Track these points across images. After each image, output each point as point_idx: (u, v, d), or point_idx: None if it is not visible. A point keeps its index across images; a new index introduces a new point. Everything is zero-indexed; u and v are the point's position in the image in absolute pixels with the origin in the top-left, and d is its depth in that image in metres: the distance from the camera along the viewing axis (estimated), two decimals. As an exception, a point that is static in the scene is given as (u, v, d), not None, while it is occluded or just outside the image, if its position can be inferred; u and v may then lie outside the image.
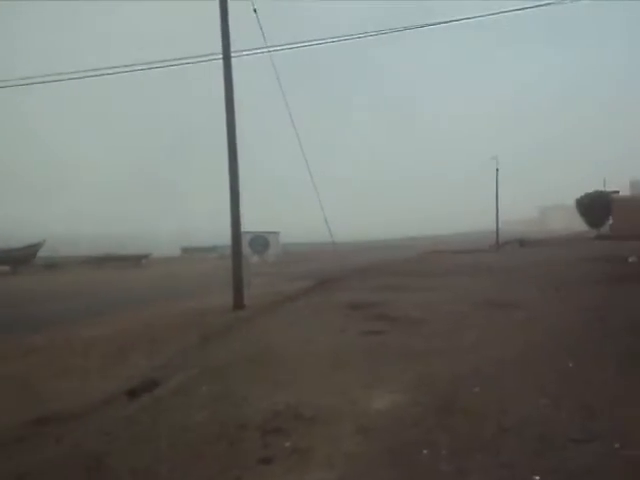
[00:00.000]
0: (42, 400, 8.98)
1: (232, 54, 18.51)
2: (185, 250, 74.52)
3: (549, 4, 23.22)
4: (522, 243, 56.14)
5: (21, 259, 49.19)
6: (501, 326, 12.93)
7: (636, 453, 5.76)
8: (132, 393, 9.00)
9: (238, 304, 17.81)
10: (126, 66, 22.13)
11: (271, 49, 20.75)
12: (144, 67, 22.35)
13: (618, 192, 67.91)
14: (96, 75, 22.39)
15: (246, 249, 29.53)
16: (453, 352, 10.57)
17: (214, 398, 8.41)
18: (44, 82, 22.84)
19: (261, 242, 43.91)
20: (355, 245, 63.84)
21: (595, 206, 65.31)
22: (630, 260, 28.22)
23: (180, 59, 21.82)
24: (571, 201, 73.92)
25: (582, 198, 69.12)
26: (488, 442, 6.25)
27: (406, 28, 24.54)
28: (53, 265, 48.42)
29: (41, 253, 53.23)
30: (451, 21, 24.59)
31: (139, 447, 6.69)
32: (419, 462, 5.88)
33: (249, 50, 20.93)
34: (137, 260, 53.32)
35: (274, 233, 46.56)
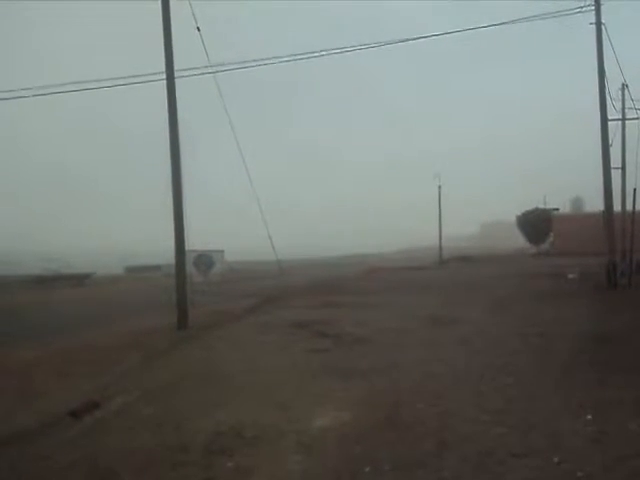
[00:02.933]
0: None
1: (175, 74, 18.46)
2: (129, 269, 73.60)
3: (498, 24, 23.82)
4: (465, 259, 56.71)
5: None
6: (443, 343, 13.07)
7: (574, 467, 5.89)
8: (73, 415, 8.89)
9: (182, 324, 17.68)
10: (72, 83, 22.04)
11: (216, 68, 20.78)
12: (89, 87, 22.25)
13: (558, 209, 69.03)
14: (41, 94, 22.22)
15: (191, 268, 29.42)
16: (396, 369, 10.66)
17: (156, 419, 8.35)
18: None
19: (206, 261, 43.78)
20: (300, 262, 63.73)
21: (536, 223, 66.30)
22: (570, 277, 28.71)
23: (124, 78, 21.80)
24: (512, 217, 75.06)
25: (523, 215, 70.14)
26: (430, 458, 6.33)
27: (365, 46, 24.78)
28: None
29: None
30: (407, 40, 24.90)
31: (78, 472, 6.62)
32: (361, 479, 5.93)
33: (192, 69, 20.98)
34: (80, 279, 52.56)
35: (219, 252, 46.50)
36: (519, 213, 71.59)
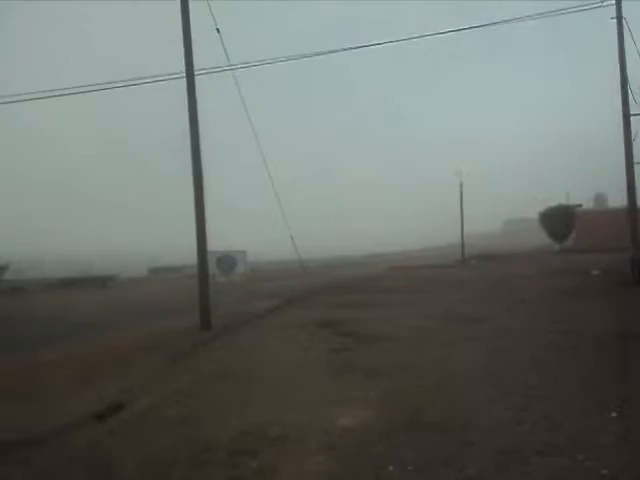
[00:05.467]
0: (4, 424, 8.90)
1: (195, 72, 18.51)
2: (152, 271, 73.85)
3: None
4: (486, 257, 56.42)
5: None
6: (466, 341, 13.04)
7: (599, 465, 5.86)
8: (99, 417, 8.96)
9: (205, 324, 17.74)
10: (88, 85, 22.13)
11: (234, 67, 20.83)
12: (106, 87, 22.32)
13: (581, 205, 68.47)
14: (56, 95, 22.32)
15: (213, 268, 29.56)
16: (419, 368, 10.65)
17: (180, 420, 8.41)
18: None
19: (228, 261, 44.03)
20: (322, 262, 63.76)
21: (558, 220, 65.80)
22: (594, 273, 28.52)
23: (142, 78, 21.89)
24: (534, 214, 74.49)
25: (545, 212, 69.59)
26: (453, 457, 6.32)
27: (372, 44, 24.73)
28: (19, 288, 47.72)
29: (6, 276, 52.63)
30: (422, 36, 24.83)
31: (105, 472, 6.68)
32: (386, 478, 5.94)
33: (212, 69, 21.04)
34: (104, 282, 52.81)
35: (241, 252, 46.71)
36: (542, 210, 71.09)
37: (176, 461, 6.75)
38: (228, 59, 20.12)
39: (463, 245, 60.57)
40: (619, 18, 24.71)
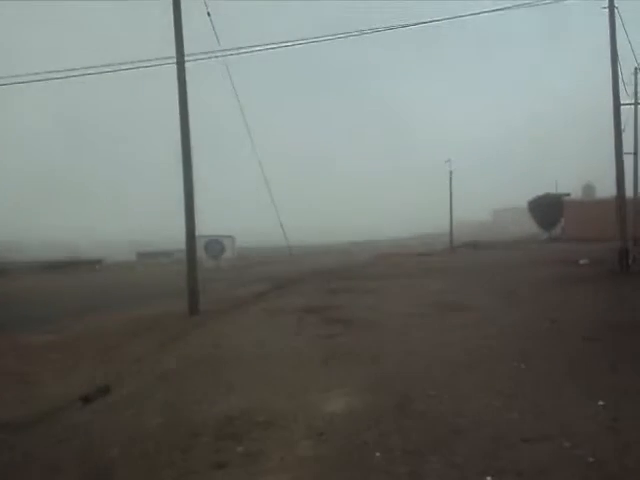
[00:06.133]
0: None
1: (186, 58, 18.43)
2: (141, 255, 73.80)
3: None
4: (476, 245, 56.60)
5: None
6: (454, 328, 13.03)
7: (586, 452, 5.87)
8: (85, 400, 8.92)
9: (193, 309, 17.73)
10: (76, 69, 21.92)
11: (225, 52, 20.70)
12: (95, 71, 22.14)
13: (569, 195, 68.68)
14: (45, 79, 22.10)
15: (201, 253, 29.49)
16: (407, 354, 10.64)
17: (167, 404, 8.38)
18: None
19: (216, 246, 43.97)
20: (311, 248, 63.84)
21: (547, 209, 66.02)
22: (581, 262, 28.61)
23: (132, 62, 21.70)
24: (524, 203, 74.72)
25: (534, 201, 69.83)
26: (441, 444, 6.31)
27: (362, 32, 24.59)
28: (2, 271, 47.43)
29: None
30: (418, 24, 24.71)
31: (92, 455, 6.65)
32: (372, 465, 5.92)
33: (203, 54, 20.89)
34: (91, 266, 52.67)
35: (229, 237, 46.68)
36: (530, 199, 71.29)
37: (162, 445, 6.72)
38: (219, 42, 19.99)
39: (452, 233, 60.70)
40: (611, 8, 24.69)
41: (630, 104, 32.61)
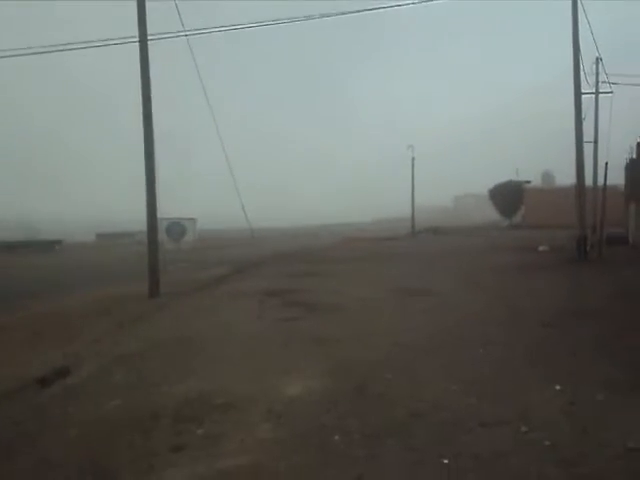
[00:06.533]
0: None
1: (149, 38, 18.27)
2: (101, 236, 73.16)
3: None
4: (436, 231, 56.94)
5: None
6: (414, 313, 13.12)
7: (542, 436, 5.94)
8: (43, 381, 8.84)
9: (154, 291, 17.64)
10: (42, 47, 21.64)
11: (188, 33, 20.55)
12: (61, 49, 21.87)
13: (530, 182, 69.27)
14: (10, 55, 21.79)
15: (163, 235, 29.26)
16: (367, 338, 10.69)
17: (127, 386, 8.34)
18: None
19: (178, 229, 43.68)
20: (273, 232, 63.75)
21: (507, 195, 66.56)
22: (540, 249, 28.91)
23: (94, 42, 21.46)
24: (484, 190, 75.30)
25: (495, 188, 70.37)
26: (399, 427, 6.35)
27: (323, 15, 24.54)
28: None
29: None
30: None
31: (50, 437, 6.60)
32: (331, 447, 5.95)
33: (166, 34, 20.73)
34: (50, 246, 52.08)
35: (191, 220, 46.42)
36: (491, 186, 71.82)
37: (121, 427, 6.69)
38: (183, 25, 19.85)
39: (414, 218, 60.93)
40: (574, -1, 24.87)
41: (591, 93, 32.90)
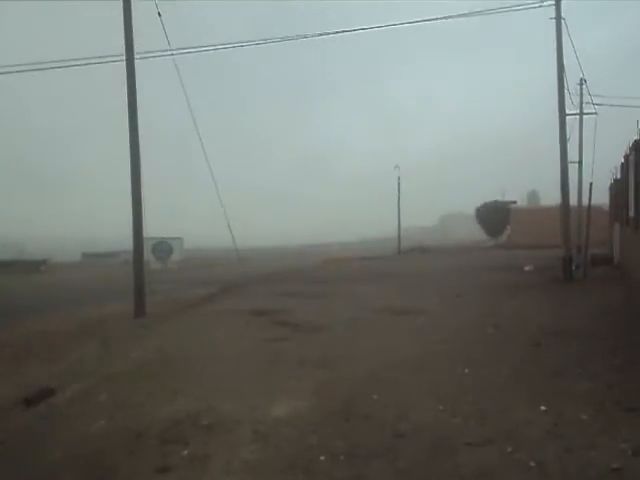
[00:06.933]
0: None
1: (136, 56, 18.32)
2: (86, 256, 72.85)
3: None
4: (423, 251, 57.04)
5: None
6: (400, 333, 13.13)
7: (527, 457, 5.97)
8: (28, 402, 8.81)
9: (139, 311, 17.59)
10: (25, 65, 21.71)
11: (175, 52, 20.64)
12: (45, 67, 21.94)
13: (516, 202, 69.55)
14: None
15: (149, 255, 29.27)
16: (353, 358, 10.69)
17: (112, 407, 8.32)
18: None
19: (164, 248, 43.70)
20: (259, 251, 63.69)
21: (493, 215, 66.79)
22: (526, 269, 28.98)
23: (80, 59, 21.56)
24: (471, 210, 75.53)
25: (481, 207, 70.63)
26: (385, 448, 6.37)
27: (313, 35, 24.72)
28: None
29: None
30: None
31: (34, 457, 6.58)
32: (317, 469, 5.95)
33: (152, 52, 20.82)
34: (35, 266, 51.81)
35: (177, 239, 46.42)
36: (477, 206, 72.05)
37: (106, 449, 6.68)
38: (169, 43, 19.92)
39: (400, 238, 61.06)
40: (558, 18, 25.07)
41: (575, 114, 33.18)
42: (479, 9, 25.37)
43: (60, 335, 14.29)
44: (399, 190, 62.59)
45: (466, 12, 25.88)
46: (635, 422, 6.86)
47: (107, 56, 20.49)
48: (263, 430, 7.05)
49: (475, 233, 76.55)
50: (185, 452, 6.47)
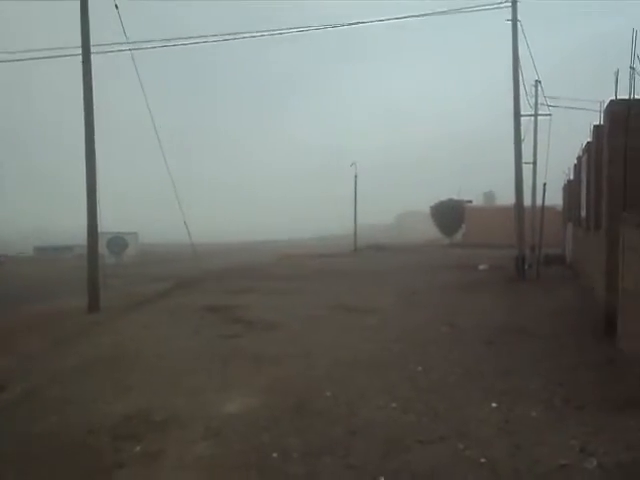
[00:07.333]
0: None
1: (92, 50, 18.14)
2: (39, 250, 71.73)
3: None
4: (379, 248, 57.11)
5: None
6: (354, 331, 13.16)
7: (478, 453, 6.04)
8: (-24, 398, 8.69)
9: (93, 306, 17.42)
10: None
11: (132, 47, 20.50)
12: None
13: (471, 201, 69.97)
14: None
15: (103, 250, 28.96)
16: (307, 356, 10.72)
17: (64, 403, 8.23)
18: None
19: (119, 243, 43.32)
20: (215, 247, 63.24)
21: (448, 214, 67.14)
22: (480, 268, 29.23)
23: (34, 51, 21.35)
24: (427, 208, 75.79)
25: (436, 206, 70.93)
26: (337, 444, 6.40)
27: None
28: None
29: None
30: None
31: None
32: (269, 465, 5.98)
33: (109, 45, 20.69)
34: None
35: (132, 234, 46.06)
36: (433, 204, 72.34)
37: (58, 445, 6.62)
38: (126, 37, 19.77)
39: (356, 235, 61.13)
40: (514, 20, 25.40)
41: (530, 115, 33.64)
42: (433, 10, 25.60)
43: (11, 331, 14.06)
44: (356, 188, 62.64)
45: (423, 13, 26.08)
46: (583, 419, 6.99)
47: (62, 48, 20.29)
48: (216, 426, 7.05)
49: (431, 231, 76.83)
50: (138, 448, 6.44)
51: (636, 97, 10.60)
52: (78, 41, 18.01)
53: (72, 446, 6.56)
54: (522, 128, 26.56)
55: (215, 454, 6.27)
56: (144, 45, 22.34)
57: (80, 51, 18.01)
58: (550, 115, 35.68)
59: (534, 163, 35.47)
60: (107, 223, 20.53)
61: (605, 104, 12.32)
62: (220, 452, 6.31)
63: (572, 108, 34.36)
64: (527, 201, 30.19)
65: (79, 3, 17.83)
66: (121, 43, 20.35)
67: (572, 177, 26.49)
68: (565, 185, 32.73)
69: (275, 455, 6.15)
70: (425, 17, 27.74)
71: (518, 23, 25.46)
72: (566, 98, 37.35)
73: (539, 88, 36.02)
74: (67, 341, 12.89)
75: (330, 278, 26.32)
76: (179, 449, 6.40)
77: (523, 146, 26.67)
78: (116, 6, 19.06)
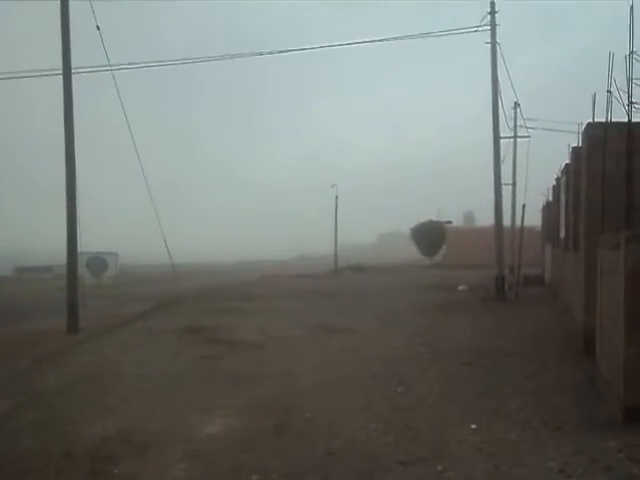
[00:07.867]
0: None
1: (73, 71, 18.13)
2: (19, 270, 71.35)
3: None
4: (359, 269, 57.15)
5: None
6: (334, 351, 13.19)
7: (457, 475, 6.06)
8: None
9: (73, 327, 17.32)
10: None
11: (114, 67, 20.52)
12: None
13: (451, 222, 70.31)
14: None
15: (83, 270, 28.78)
16: (287, 376, 10.72)
17: (41, 425, 8.18)
18: None
19: (99, 263, 43.08)
20: (196, 267, 63.09)
21: (429, 235, 67.36)
22: (460, 289, 29.32)
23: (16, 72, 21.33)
24: (407, 229, 76.06)
25: (417, 227, 71.16)
26: (317, 465, 6.41)
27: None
28: None
29: None
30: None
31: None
32: (248, 487, 5.97)
33: (90, 67, 20.70)
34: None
35: (112, 254, 45.82)
36: (413, 225, 72.57)
37: (35, 467, 6.58)
38: (108, 59, 19.78)
39: (336, 256, 61.16)
40: (493, 43, 25.66)
41: (509, 137, 33.95)
42: (412, 33, 25.84)
43: (-11, 351, 13.98)
44: (336, 208, 62.76)
45: (402, 35, 26.29)
46: (562, 440, 7.01)
47: (43, 70, 20.29)
48: (195, 448, 7.03)
49: (412, 252, 76.98)
50: (116, 471, 6.42)
51: (614, 120, 10.69)
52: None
53: (48, 469, 6.52)
54: (501, 149, 26.79)
55: (194, 476, 6.26)
56: (125, 66, 22.32)
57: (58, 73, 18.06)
58: (529, 137, 36.04)
59: (513, 184, 35.82)
60: (88, 243, 20.39)
61: (583, 126, 12.43)
62: (199, 474, 6.30)
63: (551, 130, 34.77)
64: (507, 222, 30.40)
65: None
66: (102, 66, 20.36)
67: (551, 198, 26.66)
68: (544, 206, 32.95)
69: (255, 477, 6.14)
70: (404, 39, 27.87)
71: (497, 46, 25.74)
72: (545, 120, 37.87)
73: (518, 110, 36.39)
74: (46, 362, 12.80)
75: (309, 299, 26.30)
76: (158, 471, 6.38)
77: (502, 167, 26.89)
78: (97, 27, 19.07)
